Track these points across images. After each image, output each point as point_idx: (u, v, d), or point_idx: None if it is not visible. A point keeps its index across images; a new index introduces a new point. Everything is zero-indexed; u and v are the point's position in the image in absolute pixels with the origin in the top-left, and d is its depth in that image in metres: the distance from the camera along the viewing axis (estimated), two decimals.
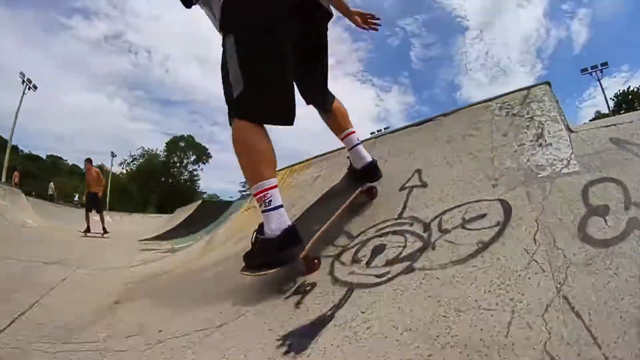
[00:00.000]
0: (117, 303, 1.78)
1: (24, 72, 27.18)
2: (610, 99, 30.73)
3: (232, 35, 1.37)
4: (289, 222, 1.35)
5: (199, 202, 12.16)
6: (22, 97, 26.43)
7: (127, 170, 47.53)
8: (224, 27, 1.42)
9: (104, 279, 2.52)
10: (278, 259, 1.31)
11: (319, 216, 1.61)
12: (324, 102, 1.76)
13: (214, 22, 1.51)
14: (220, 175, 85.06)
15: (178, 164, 50.89)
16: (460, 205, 1.37)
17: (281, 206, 1.35)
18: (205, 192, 53.15)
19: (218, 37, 1.46)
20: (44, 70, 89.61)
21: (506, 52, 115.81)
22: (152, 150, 49.27)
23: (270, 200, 1.33)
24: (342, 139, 1.85)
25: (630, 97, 32.34)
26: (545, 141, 1.51)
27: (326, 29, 1.64)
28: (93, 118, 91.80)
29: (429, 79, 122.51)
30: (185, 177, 51.58)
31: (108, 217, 19.73)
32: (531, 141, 1.55)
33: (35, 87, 27.91)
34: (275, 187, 1.36)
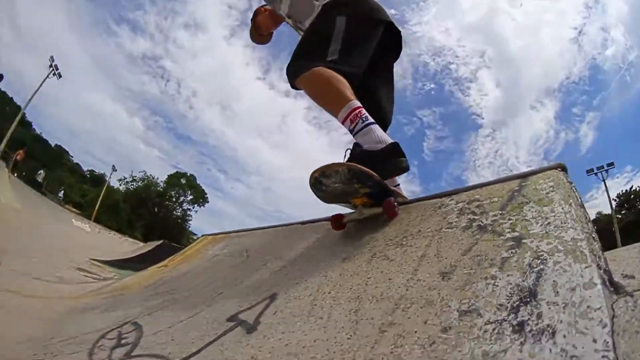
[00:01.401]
0: None
1: (54, 57, 26.71)
2: (613, 199, 30.04)
3: (344, 17, 1.54)
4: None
5: (160, 242, 11.40)
6: (44, 80, 25.40)
7: (125, 188, 46.91)
8: (336, 6, 1.60)
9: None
10: (387, 169, 1.24)
11: None
12: (390, 117, 1.78)
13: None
14: (214, 222, 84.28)
15: (174, 199, 50.00)
16: None
17: (375, 124, 1.32)
18: (195, 234, 50.96)
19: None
20: (75, 60, 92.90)
21: (515, 152, 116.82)
22: (152, 178, 48.77)
23: (367, 116, 1.31)
24: None
25: (632, 196, 31.77)
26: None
27: (393, 63, 1.82)
28: (107, 125, 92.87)
29: (437, 171, 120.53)
30: (178, 213, 50.39)
31: (87, 225, 18.81)
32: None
33: (60, 76, 26.93)
34: (363, 107, 1.34)
